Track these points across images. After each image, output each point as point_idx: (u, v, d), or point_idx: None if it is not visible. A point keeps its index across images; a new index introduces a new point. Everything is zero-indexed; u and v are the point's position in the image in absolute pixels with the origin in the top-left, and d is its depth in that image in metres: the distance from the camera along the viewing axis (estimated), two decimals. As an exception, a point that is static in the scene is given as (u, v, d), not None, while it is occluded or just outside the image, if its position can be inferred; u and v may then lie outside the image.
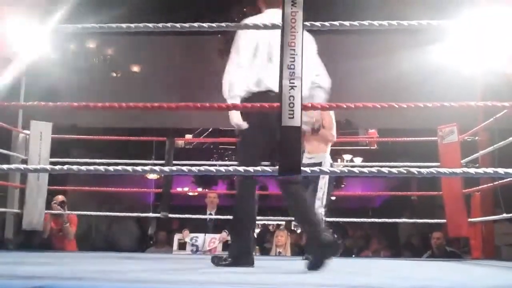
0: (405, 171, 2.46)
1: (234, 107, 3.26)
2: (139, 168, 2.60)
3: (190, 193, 13.37)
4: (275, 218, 10.62)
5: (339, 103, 2.76)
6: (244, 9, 8.71)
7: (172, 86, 8.99)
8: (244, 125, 3.51)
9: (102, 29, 2.77)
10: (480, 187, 5.94)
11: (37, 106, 3.61)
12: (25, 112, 6.37)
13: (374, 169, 2.49)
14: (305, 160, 5.28)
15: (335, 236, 5.34)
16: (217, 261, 3.51)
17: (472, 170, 2.52)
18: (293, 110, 2.36)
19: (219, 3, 8.81)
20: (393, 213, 8.91)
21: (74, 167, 2.63)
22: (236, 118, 3.49)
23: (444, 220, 6.12)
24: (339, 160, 15.21)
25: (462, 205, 5.91)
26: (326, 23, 2.66)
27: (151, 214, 7.66)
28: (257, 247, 8.24)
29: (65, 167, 2.66)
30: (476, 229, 5.97)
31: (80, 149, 9.88)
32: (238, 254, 3.47)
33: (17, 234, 6.17)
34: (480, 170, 2.52)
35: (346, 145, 14.63)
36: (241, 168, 2.53)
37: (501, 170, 2.45)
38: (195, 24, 2.66)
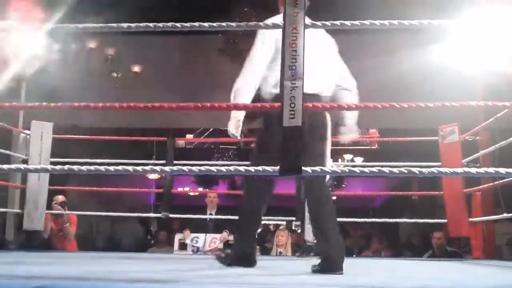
0: (406, 171, 2.46)
1: (235, 106, 3.26)
2: (139, 168, 2.60)
3: (191, 193, 13.37)
4: (276, 218, 10.61)
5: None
6: (245, 9, 8.72)
7: (173, 86, 8.98)
8: (238, 135, 3.51)
9: (102, 29, 2.77)
10: (481, 186, 5.94)
11: (37, 106, 3.61)
12: (26, 112, 6.37)
13: (375, 169, 2.49)
14: None
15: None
16: (220, 259, 3.49)
17: (473, 170, 2.52)
18: (294, 111, 2.36)
19: (220, 3, 8.81)
20: (394, 213, 8.91)
21: (75, 167, 2.63)
22: (233, 128, 3.46)
23: (445, 220, 6.11)
24: (339, 160, 15.21)
25: (463, 204, 5.91)
26: (327, 23, 2.65)
27: (152, 214, 7.66)
28: (258, 247, 8.23)
29: (66, 167, 2.66)
30: (476, 229, 5.96)
31: (81, 149, 9.88)
32: (241, 254, 3.43)
33: (18, 234, 6.17)
34: (481, 170, 2.52)
35: (346, 145, 14.62)
36: (241, 168, 2.53)
37: (502, 170, 2.45)
38: (196, 24, 2.66)
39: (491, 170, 2.50)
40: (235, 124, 3.44)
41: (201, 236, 6.75)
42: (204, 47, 9.23)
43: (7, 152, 6.13)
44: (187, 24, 2.66)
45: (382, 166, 2.56)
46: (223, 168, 2.57)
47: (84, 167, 2.61)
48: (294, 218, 5.49)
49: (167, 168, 2.67)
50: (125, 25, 2.71)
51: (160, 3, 8.59)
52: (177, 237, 6.92)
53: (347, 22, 2.64)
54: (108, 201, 11.10)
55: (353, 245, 9.82)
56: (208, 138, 16.35)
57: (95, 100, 2.63)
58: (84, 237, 9.98)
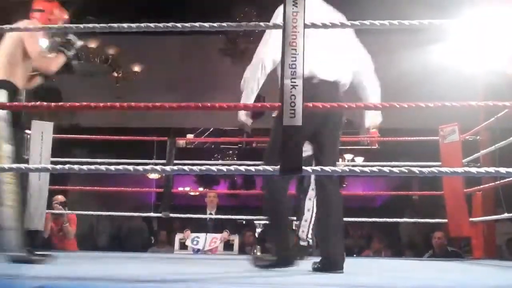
0: (406, 171, 2.46)
1: (235, 106, 3.25)
2: (140, 167, 2.60)
3: (192, 193, 13.37)
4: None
5: (340, 102, 2.76)
6: (246, 9, 8.72)
7: (173, 86, 8.99)
8: (249, 122, 3.43)
9: (103, 28, 2.77)
10: (481, 186, 5.94)
11: (38, 106, 3.61)
12: (27, 112, 6.37)
13: (375, 169, 2.49)
14: None
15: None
16: (257, 262, 3.34)
17: (473, 170, 2.51)
18: (294, 110, 2.36)
19: (221, 2, 8.81)
20: (394, 213, 8.90)
21: (75, 166, 2.63)
22: (242, 115, 3.42)
23: (445, 220, 6.11)
24: (340, 159, 15.20)
25: (463, 204, 5.90)
26: (328, 23, 2.65)
27: (152, 214, 7.66)
28: (258, 246, 8.24)
29: (66, 166, 2.66)
30: (477, 229, 5.96)
31: (81, 149, 9.89)
32: (278, 255, 3.28)
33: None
34: (482, 170, 2.52)
35: (347, 144, 14.59)
36: (242, 168, 2.53)
37: (502, 170, 2.45)
38: (197, 24, 2.66)
39: (491, 170, 2.50)
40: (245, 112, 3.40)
41: (202, 236, 6.75)
42: (205, 47, 9.24)
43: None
44: (188, 24, 2.66)
45: (383, 166, 2.55)
46: (224, 168, 2.57)
47: (84, 167, 2.61)
48: (294, 218, 5.48)
49: (167, 168, 2.67)
50: (125, 25, 2.71)
51: (161, 3, 8.59)
52: (178, 236, 6.92)
53: (348, 22, 2.64)
54: (108, 201, 11.11)
55: (354, 245, 9.82)
56: (208, 138, 16.34)
57: (95, 100, 2.63)
58: (85, 236, 9.98)
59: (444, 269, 4.26)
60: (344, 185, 15.55)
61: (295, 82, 2.39)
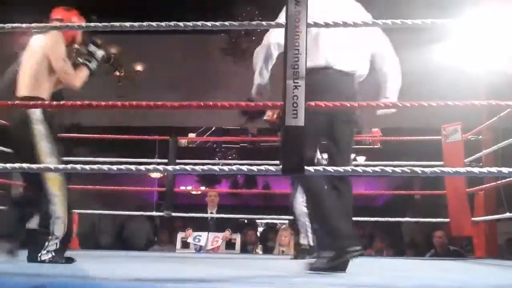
0: (408, 170, 2.45)
1: (237, 105, 3.25)
2: (142, 167, 2.60)
3: (193, 192, 13.38)
4: (279, 217, 10.61)
5: (342, 102, 2.75)
6: (248, 8, 8.72)
7: (175, 85, 8.99)
8: (263, 81, 3.33)
9: (105, 27, 2.77)
10: (483, 186, 5.93)
11: (40, 105, 3.61)
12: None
13: (377, 168, 2.48)
14: None
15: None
16: (310, 266, 3.04)
17: (475, 169, 2.51)
18: (296, 110, 2.35)
19: (223, 2, 8.80)
20: (396, 212, 8.90)
21: (77, 166, 2.63)
22: (254, 92, 3.37)
23: (448, 219, 6.11)
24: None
25: (465, 204, 5.90)
26: (330, 22, 2.65)
27: (154, 213, 7.66)
28: (260, 245, 8.25)
29: (68, 166, 2.66)
30: (479, 228, 5.96)
31: (83, 148, 9.88)
32: (336, 257, 2.96)
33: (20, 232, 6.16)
34: (484, 169, 2.51)
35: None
36: (243, 167, 2.53)
37: (505, 169, 2.45)
38: (199, 23, 2.66)
39: (494, 169, 2.49)
40: (256, 88, 3.37)
41: (203, 234, 6.76)
42: (207, 47, 9.24)
43: (10, 151, 6.12)
44: (190, 23, 2.65)
45: (385, 166, 2.55)
46: (226, 167, 2.57)
47: (86, 166, 2.61)
48: (292, 217, 5.48)
49: (169, 167, 2.66)
50: (128, 24, 2.71)
51: (163, 3, 8.59)
52: (179, 235, 6.93)
53: (350, 21, 2.64)
54: (110, 200, 11.11)
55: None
56: (210, 137, 16.36)
57: (97, 99, 2.62)
58: (86, 235, 9.99)
59: (446, 268, 4.26)
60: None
61: (297, 82, 2.38)
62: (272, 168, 2.48)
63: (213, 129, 16.09)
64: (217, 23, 2.66)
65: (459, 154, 5.87)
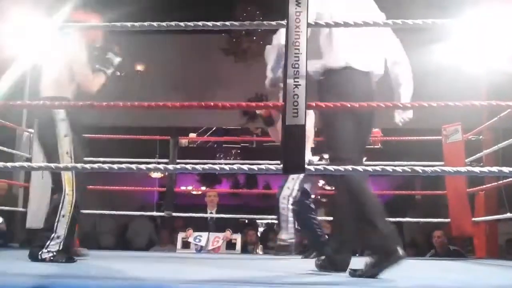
0: (409, 170, 2.46)
1: (238, 106, 3.25)
2: (143, 166, 2.60)
3: (194, 192, 13.38)
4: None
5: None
6: (249, 8, 8.71)
7: (176, 85, 8.98)
8: (276, 75, 3.30)
9: (106, 27, 2.77)
10: (484, 186, 5.94)
11: (41, 106, 3.62)
12: (29, 111, 6.38)
13: (378, 168, 2.48)
14: None
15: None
16: (352, 272, 2.84)
17: (476, 169, 2.51)
18: (297, 109, 2.35)
19: (224, 2, 8.80)
20: (397, 212, 8.89)
21: (78, 165, 2.63)
22: (267, 85, 3.37)
23: (448, 220, 6.11)
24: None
25: (466, 204, 5.91)
26: (331, 22, 2.65)
27: (155, 213, 7.67)
28: (260, 246, 8.24)
29: (69, 165, 2.66)
30: (480, 228, 5.96)
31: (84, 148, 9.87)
32: (384, 257, 2.78)
33: (21, 232, 6.18)
34: (485, 169, 2.51)
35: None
36: (244, 166, 2.53)
37: (505, 169, 2.45)
38: (200, 23, 2.66)
39: (494, 169, 2.49)
40: (269, 80, 3.37)
41: (204, 234, 6.75)
42: (208, 46, 9.23)
43: (11, 150, 6.15)
44: (191, 23, 2.66)
45: (385, 166, 2.55)
46: (226, 167, 2.57)
47: (87, 166, 2.61)
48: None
49: (170, 167, 2.66)
50: (129, 24, 2.72)
51: (164, 3, 8.59)
52: (180, 236, 6.92)
53: (351, 21, 2.64)
54: (111, 200, 11.10)
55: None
56: (211, 137, 16.35)
57: (97, 99, 2.63)
58: (87, 235, 9.98)
59: (446, 268, 4.26)
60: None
61: (298, 82, 2.38)
62: (272, 167, 2.48)
63: (214, 129, 16.08)
64: (218, 23, 2.66)
65: (460, 154, 5.88)
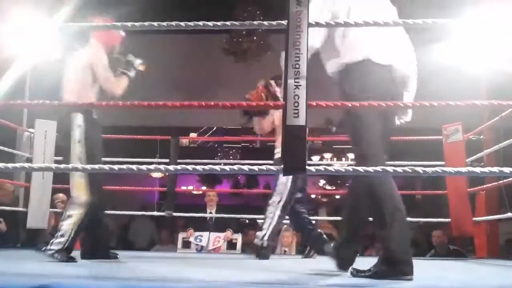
0: (410, 170, 2.45)
1: (238, 105, 3.25)
2: (143, 166, 2.60)
3: (195, 192, 13.38)
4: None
5: (344, 101, 2.75)
6: (249, 8, 8.70)
7: (177, 84, 8.98)
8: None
9: (107, 27, 2.77)
10: (485, 186, 5.93)
11: (42, 105, 3.62)
12: (30, 111, 6.38)
13: (379, 168, 2.48)
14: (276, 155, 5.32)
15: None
16: (356, 273, 2.78)
17: (477, 169, 2.51)
18: (298, 109, 2.35)
19: (224, 2, 8.79)
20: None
21: (79, 165, 2.63)
22: None
23: (449, 219, 6.10)
24: (343, 158, 15.19)
25: (466, 204, 5.90)
26: (331, 21, 2.65)
27: (155, 213, 7.66)
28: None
29: (70, 165, 2.66)
30: (480, 228, 5.96)
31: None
32: (394, 263, 2.64)
33: (22, 232, 6.18)
34: (485, 169, 2.51)
35: (350, 144, 14.58)
36: (245, 167, 2.53)
37: (506, 169, 2.45)
38: (200, 23, 2.66)
39: (495, 169, 2.49)
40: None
41: (205, 234, 6.75)
42: (208, 46, 9.23)
43: (12, 150, 6.15)
44: (191, 23, 2.65)
45: (386, 166, 2.55)
46: (227, 167, 2.57)
47: (88, 166, 2.61)
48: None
49: (171, 167, 2.67)
50: (130, 24, 2.72)
51: (164, 2, 8.58)
52: (181, 235, 6.92)
53: (351, 21, 2.64)
54: (112, 200, 11.10)
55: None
56: (211, 136, 16.37)
57: (99, 99, 2.63)
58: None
59: (447, 268, 4.26)
60: (348, 184, 15.54)
61: (298, 82, 2.38)
62: (273, 167, 2.48)
63: (214, 128, 16.09)
64: (218, 23, 2.66)
65: (461, 154, 5.87)
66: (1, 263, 3.52)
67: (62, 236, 3.63)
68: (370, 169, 2.48)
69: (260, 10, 8.61)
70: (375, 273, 2.65)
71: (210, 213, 7.01)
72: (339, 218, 5.84)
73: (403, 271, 2.59)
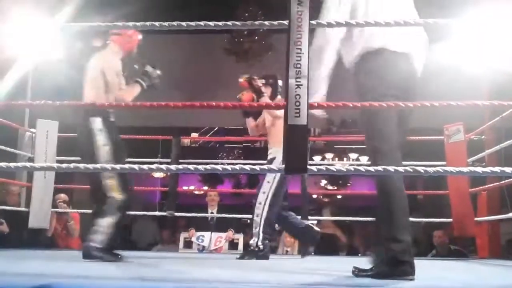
0: (411, 170, 2.45)
1: (240, 106, 3.25)
2: (145, 166, 2.60)
3: (196, 192, 13.38)
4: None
5: (345, 102, 2.75)
6: (250, 8, 8.70)
7: (178, 84, 8.97)
8: (322, 114, 2.96)
9: (108, 27, 2.78)
10: (486, 186, 5.92)
11: (43, 105, 3.62)
12: (32, 111, 6.39)
13: (380, 168, 2.48)
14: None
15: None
16: (358, 272, 2.77)
17: (478, 169, 2.51)
18: (299, 109, 2.35)
19: (225, 2, 8.79)
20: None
21: (81, 165, 2.63)
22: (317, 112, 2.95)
23: (450, 220, 6.10)
24: (345, 158, 15.20)
25: (468, 204, 5.89)
26: (332, 21, 2.65)
27: (157, 213, 7.66)
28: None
29: (72, 165, 2.66)
30: (482, 229, 5.95)
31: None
32: (394, 263, 2.61)
33: (23, 232, 6.18)
34: (487, 169, 2.51)
35: (352, 144, 14.59)
36: (246, 167, 2.53)
37: (507, 169, 2.44)
38: (202, 23, 2.66)
39: (496, 169, 2.49)
40: (320, 99, 2.90)
41: (207, 234, 6.75)
42: (210, 46, 9.22)
43: (13, 150, 6.16)
44: (193, 23, 2.65)
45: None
46: (229, 167, 2.57)
47: (90, 166, 2.61)
48: (299, 217, 5.47)
49: (172, 167, 2.66)
50: (131, 24, 2.72)
51: (166, 2, 8.58)
52: (182, 235, 6.92)
53: (352, 21, 2.63)
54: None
55: (359, 244, 9.81)
56: (213, 136, 16.36)
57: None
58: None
59: (448, 268, 4.26)
60: (349, 184, 15.55)
61: (299, 82, 2.38)
62: (274, 167, 2.48)
63: (216, 129, 16.09)
64: (220, 23, 2.66)
65: (462, 154, 5.86)
66: (1, 263, 3.52)
67: (102, 234, 3.85)
68: (371, 168, 2.47)
69: (261, 10, 8.61)
70: (377, 273, 2.65)
71: (212, 213, 7.01)
72: (341, 218, 5.88)
73: (405, 271, 2.58)
